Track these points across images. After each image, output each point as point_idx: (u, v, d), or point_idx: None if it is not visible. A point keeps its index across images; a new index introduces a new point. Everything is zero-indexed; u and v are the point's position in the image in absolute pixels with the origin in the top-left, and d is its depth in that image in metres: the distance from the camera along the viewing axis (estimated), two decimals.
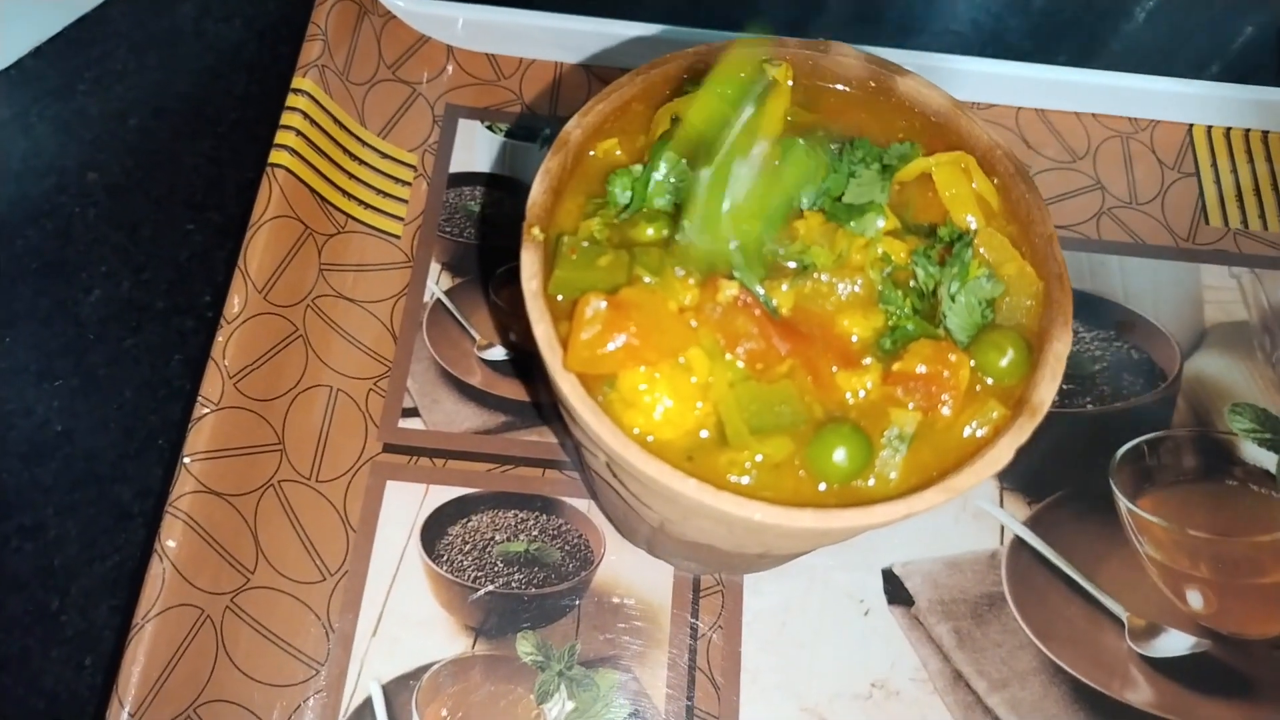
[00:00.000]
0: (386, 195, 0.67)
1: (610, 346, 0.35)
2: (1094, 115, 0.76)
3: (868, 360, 0.37)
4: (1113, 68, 0.74)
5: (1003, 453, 0.35)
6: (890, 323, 0.37)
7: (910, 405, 0.36)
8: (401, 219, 0.67)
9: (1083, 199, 0.72)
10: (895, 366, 0.37)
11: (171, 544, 0.51)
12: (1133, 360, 0.68)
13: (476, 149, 0.70)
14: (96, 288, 0.66)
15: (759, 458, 0.35)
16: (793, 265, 0.38)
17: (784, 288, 0.37)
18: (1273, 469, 0.65)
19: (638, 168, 0.39)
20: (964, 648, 0.59)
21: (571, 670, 0.56)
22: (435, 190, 0.68)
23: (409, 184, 0.68)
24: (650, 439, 0.35)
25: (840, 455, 0.35)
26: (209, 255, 0.67)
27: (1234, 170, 0.75)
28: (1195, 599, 0.61)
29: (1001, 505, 0.63)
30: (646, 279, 0.36)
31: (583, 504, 0.60)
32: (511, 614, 0.57)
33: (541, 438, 0.62)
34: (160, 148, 0.71)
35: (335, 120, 0.65)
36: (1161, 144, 0.75)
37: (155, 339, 0.64)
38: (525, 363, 0.64)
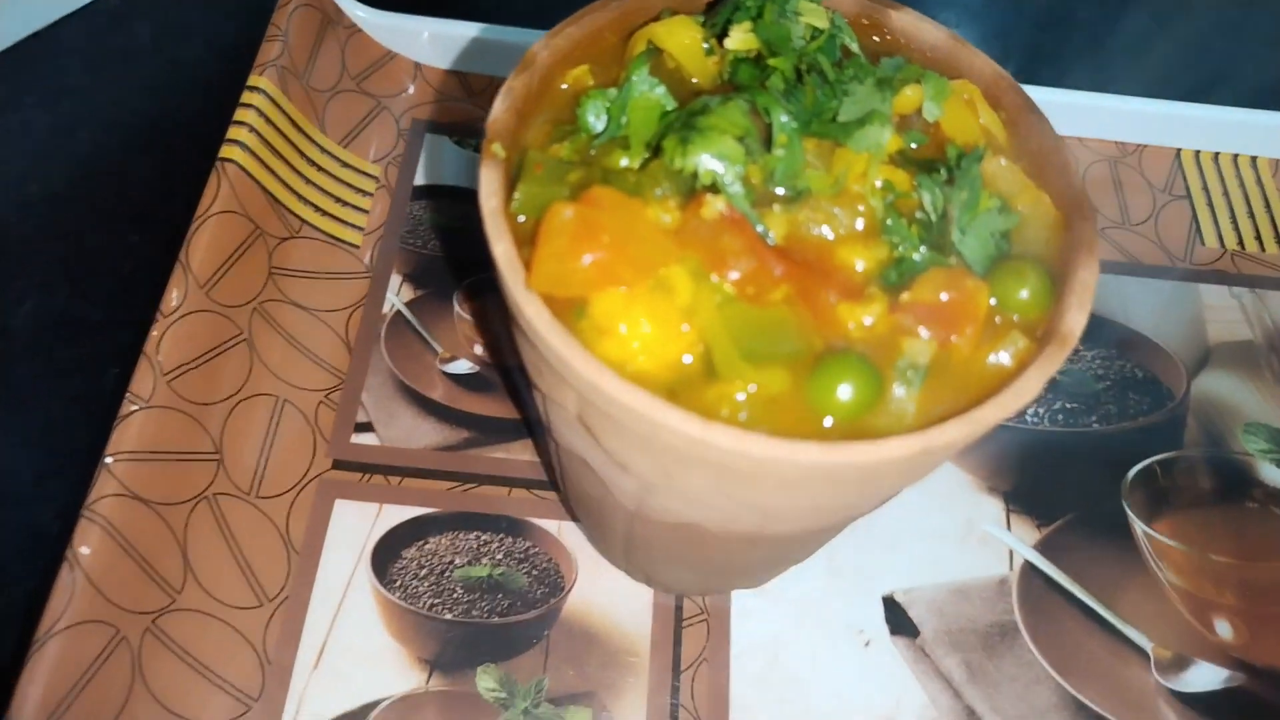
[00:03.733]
0: (345, 204, 0.63)
1: (579, 263, 0.30)
2: (1080, 139, 0.74)
3: (870, 290, 0.33)
4: (1097, 90, 0.73)
5: (1031, 383, 0.31)
6: (896, 254, 0.33)
7: (924, 336, 0.32)
8: (361, 229, 0.63)
9: None
10: (904, 297, 0.33)
11: (86, 551, 0.45)
12: (1138, 379, 0.64)
13: (444, 163, 0.67)
14: (30, 299, 0.61)
15: (753, 388, 0.30)
16: (783, 192, 0.34)
17: (775, 209, 0.33)
18: None
19: (613, 91, 0.35)
20: (976, 682, 0.53)
21: (539, 708, 0.50)
22: (399, 202, 0.65)
23: (370, 194, 0.64)
24: (627, 369, 0.31)
25: (846, 389, 0.30)
26: (153, 268, 0.62)
27: (1225, 194, 0.73)
28: (1224, 628, 0.56)
29: (1009, 528, 0.58)
30: None
31: (553, 525, 0.55)
32: (471, 645, 0.51)
33: (508, 454, 0.57)
34: (108, 161, 0.67)
35: (293, 123, 0.62)
36: (1150, 168, 0.73)
37: (90, 352, 0.59)
38: (491, 376, 0.59)
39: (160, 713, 0.46)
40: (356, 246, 0.62)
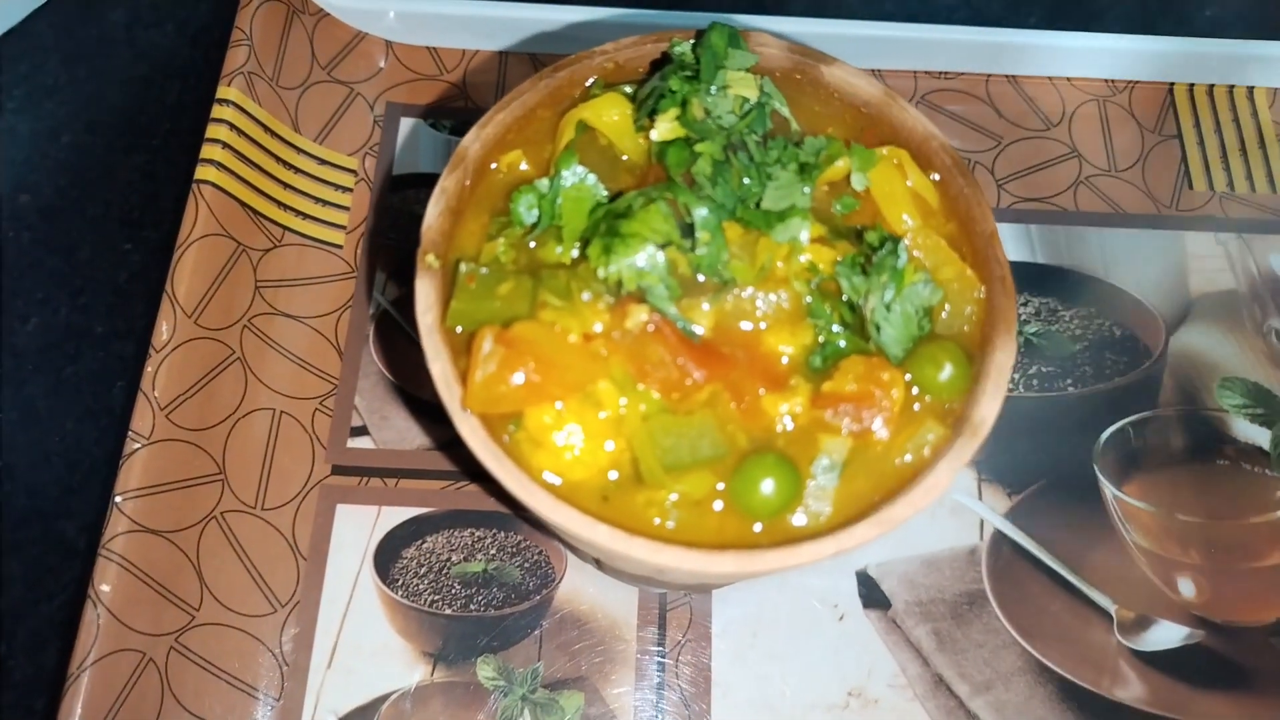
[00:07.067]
0: (326, 203, 0.64)
1: (511, 384, 0.32)
2: (1068, 79, 0.72)
3: (794, 381, 0.34)
4: (1086, 28, 0.71)
5: (941, 479, 0.33)
6: (820, 338, 0.35)
7: (843, 429, 0.34)
8: (343, 227, 0.64)
9: (1058, 169, 0.69)
10: (825, 387, 0.34)
11: (105, 588, 0.49)
12: (1115, 338, 0.65)
13: (420, 149, 0.67)
14: (34, 315, 0.63)
15: (674, 496, 0.32)
16: (709, 280, 0.35)
17: (704, 306, 0.34)
18: (1266, 446, 0.62)
19: (544, 183, 0.36)
20: (944, 650, 0.56)
21: (535, 694, 0.54)
22: (378, 195, 0.65)
23: (350, 190, 0.65)
24: (561, 481, 0.33)
25: (766, 488, 0.32)
26: (147, 275, 0.65)
27: (1218, 130, 0.71)
28: (1187, 587, 0.58)
29: (980, 498, 0.60)
30: (555, 303, 0.33)
31: None
32: (471, 638, 0.55)
33: None
34: (94, 164, 0.68)
35: (266, 129, 0.62)
36: (1141, 106, 0.71)
37: (95, 366, 0.62)
38: None
39: None
40: (340, 246, 0.63)
